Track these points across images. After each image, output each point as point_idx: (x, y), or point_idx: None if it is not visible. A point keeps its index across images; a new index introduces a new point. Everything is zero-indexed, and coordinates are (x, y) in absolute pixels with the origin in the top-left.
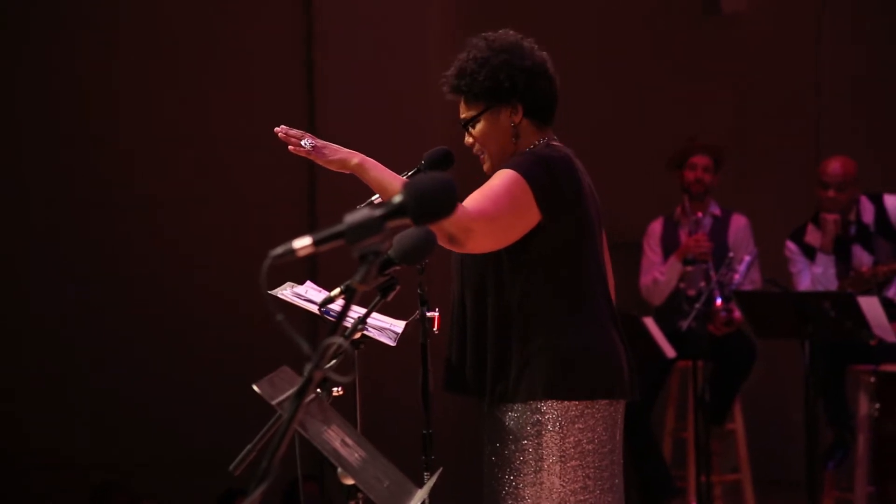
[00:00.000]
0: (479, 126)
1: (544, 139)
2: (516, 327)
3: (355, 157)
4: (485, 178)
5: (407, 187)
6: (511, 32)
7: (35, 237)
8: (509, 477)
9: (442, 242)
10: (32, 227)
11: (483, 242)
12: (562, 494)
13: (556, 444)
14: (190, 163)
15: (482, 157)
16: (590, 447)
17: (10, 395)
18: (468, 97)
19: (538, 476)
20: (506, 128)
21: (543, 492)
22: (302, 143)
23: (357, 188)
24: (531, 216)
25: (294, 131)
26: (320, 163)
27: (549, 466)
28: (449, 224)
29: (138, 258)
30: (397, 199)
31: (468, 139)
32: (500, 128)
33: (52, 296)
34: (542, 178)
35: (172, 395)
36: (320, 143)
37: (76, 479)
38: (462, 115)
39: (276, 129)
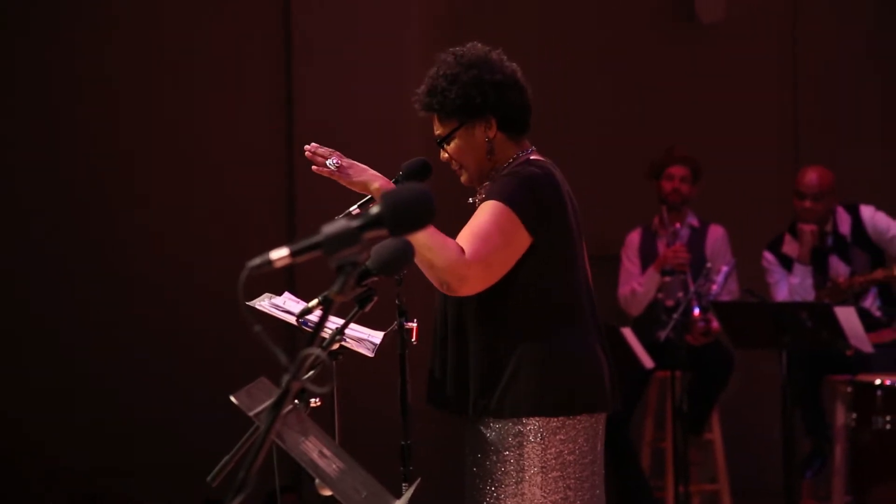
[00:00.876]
0: (453, 143)
1: (522, 152)
2: (502, 341)
3: (377, 182)
4: (461, 187)
5: (384, 198)
6: (479, 45)
7: (34, 239)
8: (491, 488)
9: (436, 285)
10: (30, 227)
11: (477, 286)
12: None
13: (537, 456)
14: (177, 167)
15: (459, 170)
16: (571, 458)
17: (9, 396)
18: (441, 114)
19: (519, 487)
20: (481, 143)
21: (525, 502)
22: (328, 162)
23: (337, 196)
24: (522, 243)
25: (322, 150)
26: (343, 183)
27: (530, 477)
28: (443, 272)
29: (136, 262)
30: (374, 209)
31: (444, 155)
32: (475, 143)
33: (49, 298)
34: (528, 202)
35: (161, 399)
36: (346, 162)
37: (66, 484)
38: (437, 132)
39: (306, 147)
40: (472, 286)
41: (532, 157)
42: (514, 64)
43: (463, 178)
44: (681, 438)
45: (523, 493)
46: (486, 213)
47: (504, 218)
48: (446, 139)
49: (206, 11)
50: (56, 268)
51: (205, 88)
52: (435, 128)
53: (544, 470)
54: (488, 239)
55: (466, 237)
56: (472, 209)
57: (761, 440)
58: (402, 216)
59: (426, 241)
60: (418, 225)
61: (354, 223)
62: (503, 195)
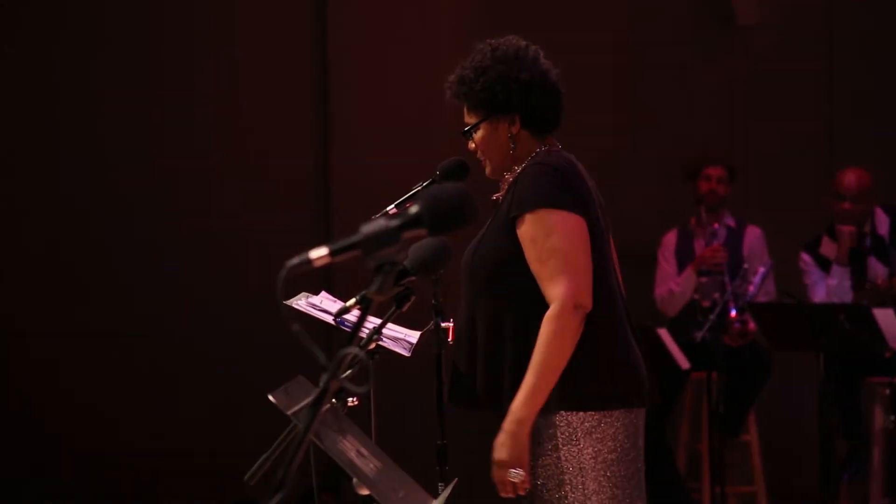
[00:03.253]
0: (478, 134)
1: (545, 146)
2: (533, 336)
3: (513, 425)
4: (485, 185)
5: (423, 198)
6: (516, 40)
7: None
8: (535, 482)
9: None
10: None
11: (589, 297)
12: None
13: (573, 458)
14: (212, 165)
15: (484, 161)
16: (612, 456)
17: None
18: (468, 105)
19: (561, 491)
20: (504, 138)
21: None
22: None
23: (372, 194)
24: (583, 228)
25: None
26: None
27: (570, 480)
28: (561, 321)
29: (169, 261)
30: (413, 209)
31: (470, 145)
32: (498, 137)
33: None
34: (564, 191)
35: (191, 399)
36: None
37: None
38: (465, 120)
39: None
40: (587, 301)
41: (554, 149)
42: (549, 63)
43: (487, 170)
44: (717, 440)
45: (566, 497)
46: (542, 230)
47: (558, 223)
48: (472, 130)
49: (244, 6)
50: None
51: (242, 85)
52: (465, 115)
53: (583, 472)
54: (563, 257)
55: (548, 272)
56: (495, 206)
57: (798, 442)
58: (441, 215)
59: (551, 365)
60: (457, 224)
61: (393, 223)
62: (540, 199)
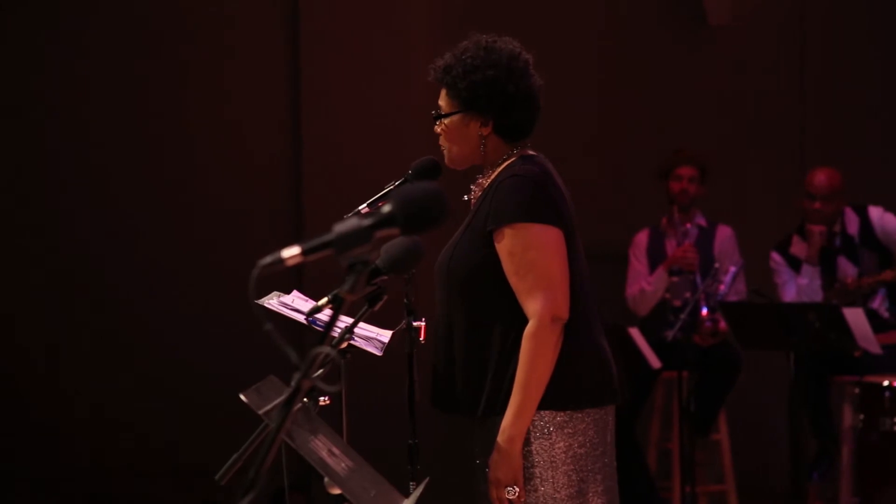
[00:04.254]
0: (448, 121)
1: (515, 150)
2: (510, 337)
3: (505, 443)
4: (458, 185)
5: (395, 197)
6: (512, 46)
7: (30, 241)
8: None
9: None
10: (25, 229)
11: (566, 308)
12: (556, 501)
13: (545, 451)
14: (184, 169)
15: (444, 147)
16: (581, 451)
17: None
18: (448, 92)
19: (532, 484)
20: (473, 136)
21: (539, 499)
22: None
23: (343, 196)
24: (560, 239)
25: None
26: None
27: (540, 473)
28: (540, 337)
29: (143, 262)
30: (386, 208)
31: (437, 128)
32: (467, 134)
33: (51, 296)
34: (542, 204)
35: (162, 400)
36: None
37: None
38: (439, 103)
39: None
40: (564, 313)
41: (526, 154)
42: (537, 75)
43: (446, 158)
44: (687, 439)
45: (536, 490)
46: (520, 244)
47: (535, 237)
48: (444, 116)
49: (213, 13)
50: (67, 267)
51: (212, 91)
52: (440, 97)
53: (553, 465)
54: (540, 271)
55: (526, 285)
56: (468, 207)
57: (768, 441)
58: (414, 215)
59: (535, 380)
60: (430, 224)
61: (366, 222)
62: (518, 212)
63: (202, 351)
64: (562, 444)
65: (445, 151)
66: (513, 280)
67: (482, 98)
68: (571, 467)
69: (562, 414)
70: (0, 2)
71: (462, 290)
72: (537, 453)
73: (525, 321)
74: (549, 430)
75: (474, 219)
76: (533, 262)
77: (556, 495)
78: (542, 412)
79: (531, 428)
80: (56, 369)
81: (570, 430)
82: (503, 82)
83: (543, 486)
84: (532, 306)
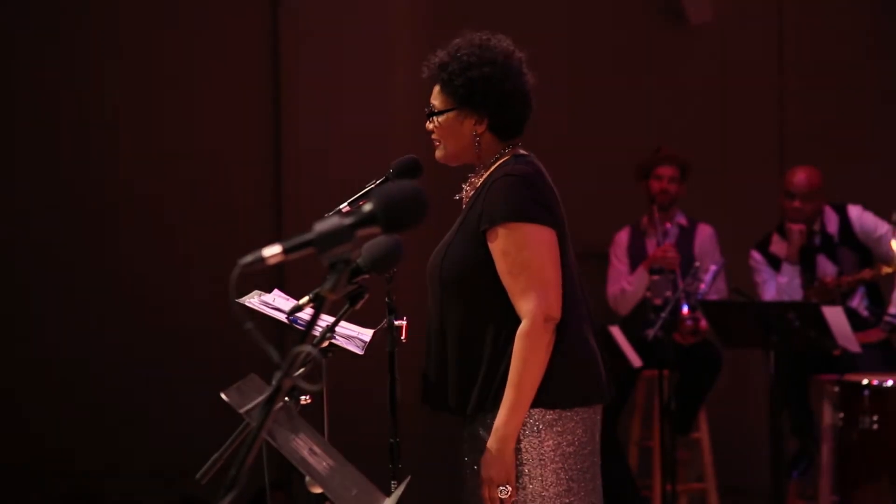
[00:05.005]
0: (442, 118)
1: (508, 149)
2: (501, 337)
3: (498, 443)
4: (448, 184)
5: (376, 196)
6: (507, 44)
7: (29, 240)
8: None
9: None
10: (24, 229)
11: (559, 306)
12: (544, 499)
13: (534, 449)
14: (166, 168)
15: (437, 144)
16: (570, 449)
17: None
18: (443, 90)
19: (520, 481)
20: (467, 133)
21: (527, 497)
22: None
23: (324, 196)
24: (554, 240)
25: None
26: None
27: (529, 471)
28: (533, 337)
29: (127, 261)
30: (367, 207)
31: (429, 124)
32: (461, 132)
33: (44, 294)
34: (536, 204)
35: (146, 398)
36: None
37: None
38: (432, 101)
39: None
40: (557, 313)
41: (519, 154)
42: (531, 74)
43: (437, 154)
44: (668, 437)
45: (524, 488)
46: (513, 244)
47: (529, 236)
48: (438, 114)
49: (195, 14)
50: (52, 265)
51: (193, 90)
52: (433, 95)
53: (542, 463)
54: (534, 271)
55: (519, 284)
56: (460, 206)
57: (749, 439)
58: (395, 213)
59: (528, 380)
60: (411, 222)
61: (347, 220)
62: (512, 212)
63: (182, 352)
64: (551, 442)
65: (439, 148)
66: (506, 280)
67: (478, 95)
68: (560, 465)
69: (551, 412)
70: None
71: (455, 290)
72: (526, 451)
73: (517, 321)
74: (538, 428)
75: (467, 218)
76: (527, 261)
77: (545, 493)
78: (531, 410)
79: (522, 426)
80: (44, 370)
81: (559, 429)
82: (499, 80)
83: (532, 484)
84: (525, 306)
